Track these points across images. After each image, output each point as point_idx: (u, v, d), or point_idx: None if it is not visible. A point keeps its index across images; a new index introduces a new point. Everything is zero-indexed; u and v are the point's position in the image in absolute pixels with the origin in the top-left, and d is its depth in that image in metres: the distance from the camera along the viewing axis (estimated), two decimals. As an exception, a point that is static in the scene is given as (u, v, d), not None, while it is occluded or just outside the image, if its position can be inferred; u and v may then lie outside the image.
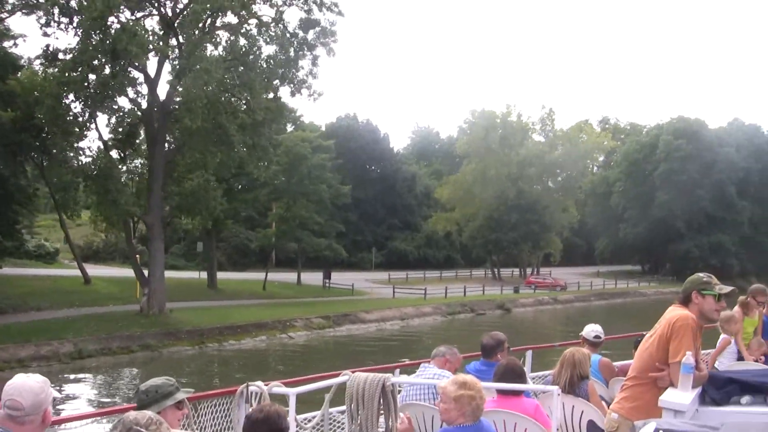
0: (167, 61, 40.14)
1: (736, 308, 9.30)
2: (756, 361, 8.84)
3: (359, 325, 48.25)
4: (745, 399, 5.01)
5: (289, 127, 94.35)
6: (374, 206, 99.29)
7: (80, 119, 38.03)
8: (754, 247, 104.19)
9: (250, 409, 4.86)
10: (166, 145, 42.95)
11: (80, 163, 41.33)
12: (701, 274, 5.52)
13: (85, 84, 37.59)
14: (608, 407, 5.98)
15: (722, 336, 9.09)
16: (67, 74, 36.67)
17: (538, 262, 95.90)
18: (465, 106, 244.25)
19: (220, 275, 68.70)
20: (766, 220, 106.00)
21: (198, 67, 36.06)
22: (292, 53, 43.00)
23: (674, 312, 5.34)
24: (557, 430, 6.14)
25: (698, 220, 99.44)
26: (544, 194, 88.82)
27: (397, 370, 7.85)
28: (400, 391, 6.90)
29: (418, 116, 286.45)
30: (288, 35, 42.61)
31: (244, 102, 41.74)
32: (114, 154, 43.58)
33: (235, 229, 73.77)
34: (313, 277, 69.08)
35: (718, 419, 4.53)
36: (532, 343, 11.71)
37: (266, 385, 6.02)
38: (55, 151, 40.97)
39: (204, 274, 60.74)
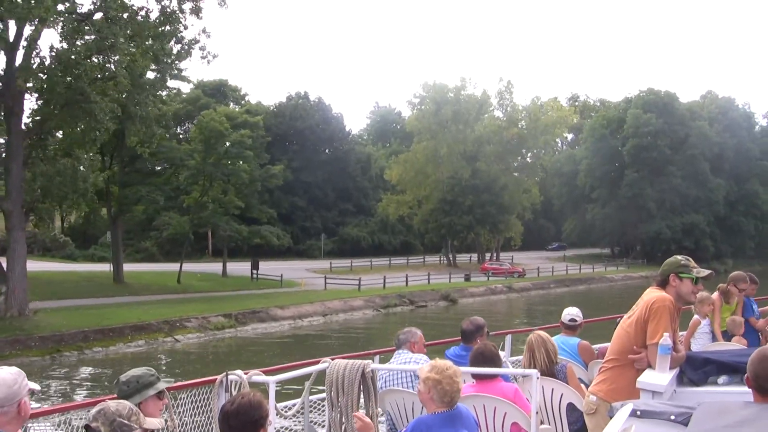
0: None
1: (716, 294, 9.35)
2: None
3: (269, 324, 41.82)
4: (722, 379, 4.98)
5: (233, 107, 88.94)
6: (324, 190, 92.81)
7: None
8: (730, 227, 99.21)
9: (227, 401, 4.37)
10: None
11: None
12: (679, 257, 5.53)
13: None
14: (587, 390, 5.98)
15: (694, 316, 9.15)
16: None
17: (498, 247, 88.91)
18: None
19: (143, 267, 62.93)
20: (743, 199, 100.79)
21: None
22: (175, 4, 36.47)
23: (652, 294, 5.37)
24: (536, 413, 5.89)
25: (670, 199, 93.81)
26: (503, 174, 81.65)
27: (377, 357, 7.80)
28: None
29: (379, 96, 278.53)
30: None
31: (121, 65, 35.02)
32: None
33: (169, 217, 67.07)
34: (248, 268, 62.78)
35: (696, 400, 4.23)
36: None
37: (246, 373, 6.00)
38: None
39: (130, 267, 55.05)
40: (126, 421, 3.46)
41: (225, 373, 5.99)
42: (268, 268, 64.02)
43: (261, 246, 72.02)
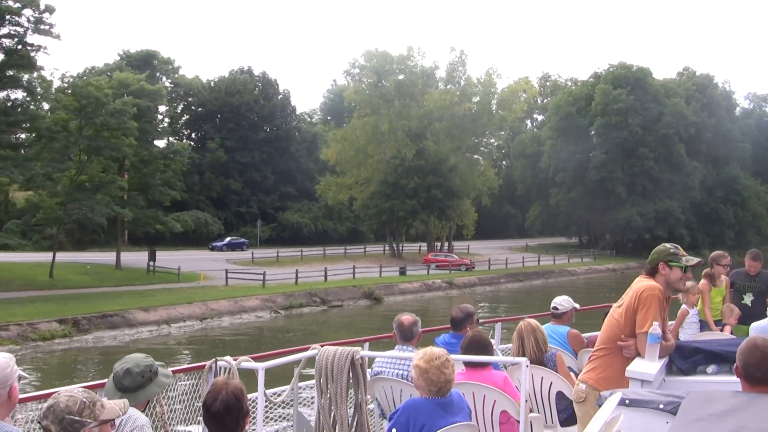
0: None
1: (702, 281, 9.28)
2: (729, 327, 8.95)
3: (122, 331, 33.70)
4: (711, 368, 5.01)
5: (166, 82, 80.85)
6: (262, 172, 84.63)
7: None
8: (708, 215, 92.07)
9: (206, 395, 4.00)
10: None
11: None
12: (668, 245, 5.47)
13: None
14: (576, 378, 5.96)
15: (682, 306, 9.09)
16: None
17: (450, 236, 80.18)
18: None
19: (41, 257, 54.70)
20: (722, 184, 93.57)
21: None
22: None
23: (641, 283, 5.32)
24: (526, 401, 5.70)
25: (641, 183, 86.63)
26: (453, 154, 72.63)
27: (366, 344, 7.63)
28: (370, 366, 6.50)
29: (337, 75, 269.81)
30: None
31: None
32: None
33: (39, 199, 58.67)
34: (167, 258, 55.47)
35: (685, 389, 4.31)
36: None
37: (235, 360, 5.88)
38: None
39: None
40: (77, 418, 3.13)
41: (214, 359, 5.81)
42: (178, 258, 56.10)
43: (185, 234, 64.43)
